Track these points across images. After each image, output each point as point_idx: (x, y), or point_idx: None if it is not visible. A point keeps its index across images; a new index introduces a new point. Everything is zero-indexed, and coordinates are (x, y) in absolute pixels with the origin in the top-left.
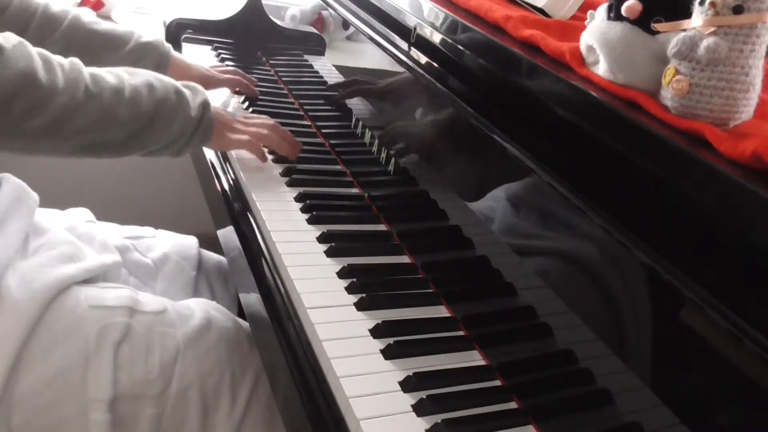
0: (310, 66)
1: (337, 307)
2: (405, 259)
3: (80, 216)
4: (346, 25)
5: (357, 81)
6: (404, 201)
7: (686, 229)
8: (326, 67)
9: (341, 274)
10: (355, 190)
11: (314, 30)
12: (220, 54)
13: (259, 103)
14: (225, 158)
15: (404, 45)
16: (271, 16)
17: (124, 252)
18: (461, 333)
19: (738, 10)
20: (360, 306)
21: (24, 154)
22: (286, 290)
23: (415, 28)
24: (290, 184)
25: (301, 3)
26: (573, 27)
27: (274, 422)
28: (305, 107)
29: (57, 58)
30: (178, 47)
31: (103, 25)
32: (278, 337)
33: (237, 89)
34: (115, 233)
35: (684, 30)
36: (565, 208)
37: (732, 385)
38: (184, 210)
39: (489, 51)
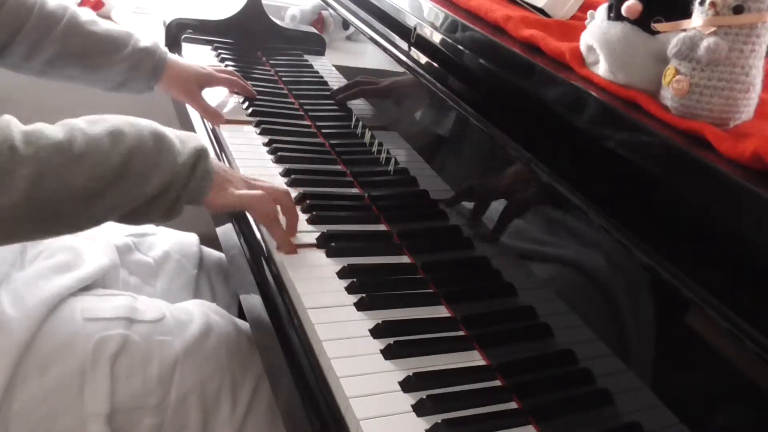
0: (310, 66)
1: (337, 307)
2: (405, 259)
3: None
4: (346, 25)
5: (357, 81)
6: (404, 201)
7: (686, 229)
8: (326, 67)
9: (341, 274)
10: (355, 190)
11: (314, 30)
12: (220, 54)
13: (259, 103)
14: (225, 158)
15: (404, 45)
16: (271, 16)
17: (126, 252)
18: (461, 333)
19: (738, 10)
20: (360, 306)
21: None
22: (286, 290)
23: (415, 28)
24: (290, 184)
25: (301, 3)
26: (573, 27)
27: (275, 423)
28: (305, 107)
29: None
30: (178, 47)
31: (101, 26)
32: (278, 337)
33: (235, 90)
34: (117, 230)
35: (684, 30)
36: (564, 208)
37: (732, 385)
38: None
39: (489, 51)
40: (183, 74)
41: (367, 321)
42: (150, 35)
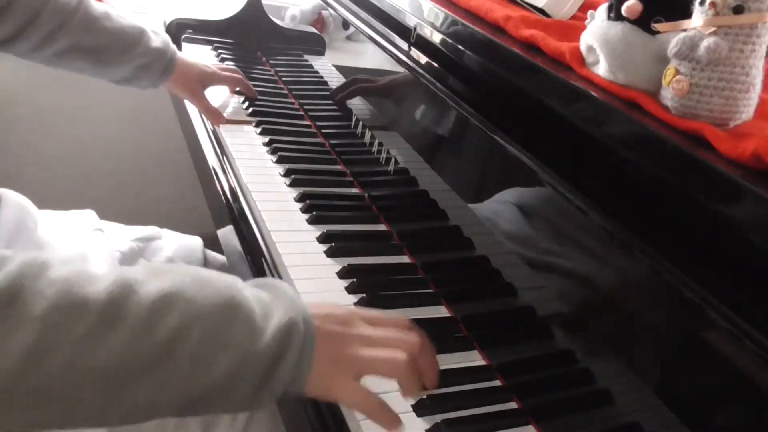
0: (310, 66)
1: None
2: (405, 259)
3: (85, 220)
4: (346, 25)
5: (357, 81)
6: (404, 201)
7: (686, 230)
8: (326, 67)
9: (341, 274)
10: (355, 190)
11: (314, 30)
12: (220, 54)
13: (259, 103)
14: (225, 158)
15: (404, 45)
16: (271, 16)
17: (131, 259)
18: (461, 333)
19: (738, 10)
20: (360, 306)
21: None
22: None
23: (415, 28)
24: (291, 185)
25: (301, 3)
26: (573, 27)
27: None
28: (305, 107)
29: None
30: (178, 47)
31: (114, 22)
32: None
33: (237, 89)
34: (122, 236)
35: (684, 30)
36: (564, 208)
37: (732, 386)
38: (187, 209)
39: (489, 51)
40: (189, 73)
41: None
42: (160, 31)
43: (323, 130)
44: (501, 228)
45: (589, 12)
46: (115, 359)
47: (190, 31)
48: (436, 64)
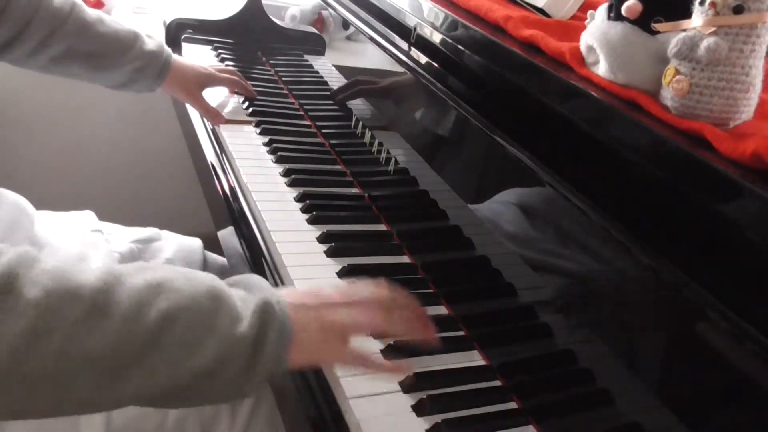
0: (310, 66)
1: None
2: (405, 259)
3: (84, 221)
4: (346, 25)
5: (357, 81)
6: (404, 201)
7: (686, 230)
8: (326, 67)
9: (341, 274)
10: (355, 190)
11: (314, 30)
12: (220, 54)
13: (259, 103)
14: (225, 158)
15: (404, 45)
16: (271, 16)
17: (130, 260)
18: (461, 333)
19: (738, 10)
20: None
21: None
22: None
23: (415, 28)
24: (290, 185)
25: (301, 3)
26: (573, 27)
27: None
28: (305, 107)
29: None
30: (178, 47)
31: (108, 27)
32: None
33: (235, 90)
34: (121, 237)
35: (684, 30)
36: (564, 208)
37: (732, 386)
38: (187, 210)
39: (489, 51)
40: (185, 75)
41: None
42: (154, 35)
43: (323, 130)
44: (501, 228)
45: (589, 12)
46: (107, 345)
47: (190, 31)
48: (436, 64)
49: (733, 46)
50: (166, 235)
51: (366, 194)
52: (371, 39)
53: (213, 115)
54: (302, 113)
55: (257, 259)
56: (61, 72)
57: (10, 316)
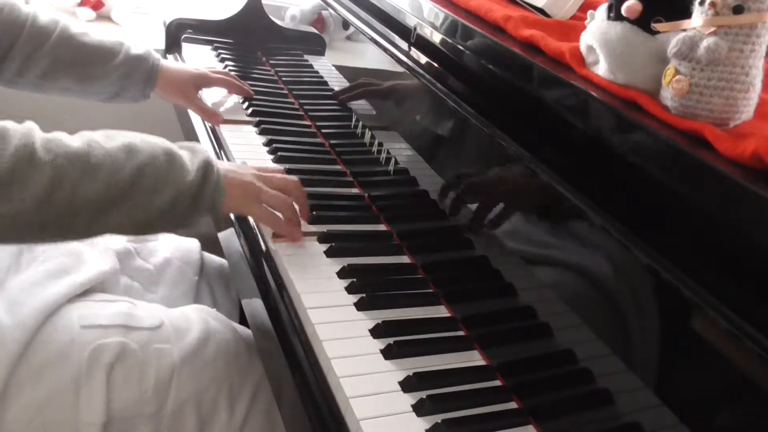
0: (310, 66)
1: (337, 307)
2: (405, 259)
3: None
4: (346, 25)
5: (357, 81)
6: (404, 201)
7: (686, 230)
8: (326, 67)
9: (341, 274)
10: (355, 190)
11: (314, 30)
12: (220, 54)
13: (259, 103)
14: (225, 158)
15: (404, 45)
16: (271, 16)
17: (127, 258)
18: (461, 333)
19: (738, 10)
20: (360, 306)
21: None
22: (286, 290)
23: (415, 28)
24: None
25: (301, 3)
26: (573, 27)
27: (273, 430)
28: (305, 107)
29: (10, 125)
30: (178, 47)
31: (92, 37)
32: (279, 339)
33: (232, 90)
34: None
35: (684, 30)
36: (564, 208)
37: (732, 386)
38: None
39: (489, 51)
40: (177, 78)
41: (367, 321)
42: (142, 43)
43: (323, 130)
44: (501, 228)
45: (589, 12)
46: (99, 192)
47: (190, 31)
48: (436, 64)
49: (732, 46)
50: (164, 236)
51: (366, 194)
52: (371, 39)
53: (210, 115)
54: (302, 113)
55: (257, 258)
56: (51, 87)
57: (34, 175)
